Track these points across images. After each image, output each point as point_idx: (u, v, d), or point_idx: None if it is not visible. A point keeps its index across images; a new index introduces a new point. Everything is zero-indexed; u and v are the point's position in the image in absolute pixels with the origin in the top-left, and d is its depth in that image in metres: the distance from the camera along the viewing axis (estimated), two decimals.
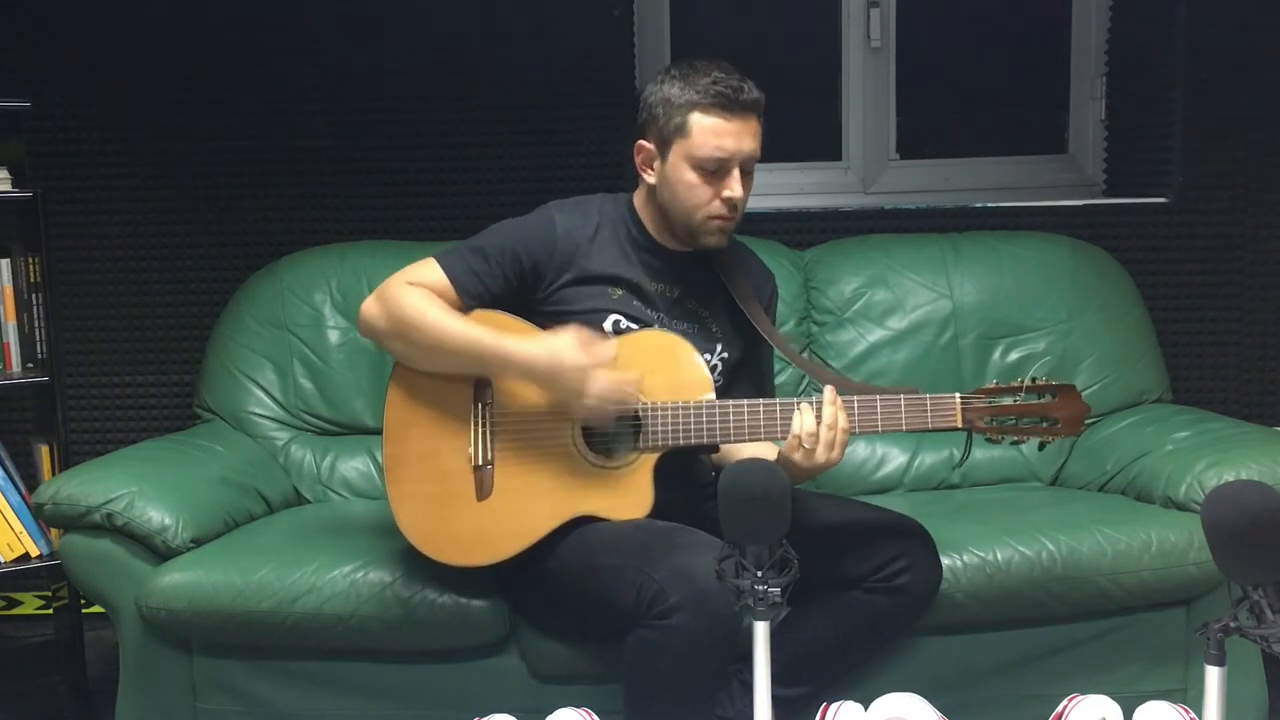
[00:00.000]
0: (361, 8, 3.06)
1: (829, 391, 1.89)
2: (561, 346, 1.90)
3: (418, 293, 1.98)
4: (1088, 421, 2.61)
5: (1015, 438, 1.88)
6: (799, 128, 3.40)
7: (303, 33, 3.06)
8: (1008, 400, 1.88)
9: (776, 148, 3.28)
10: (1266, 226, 3.07)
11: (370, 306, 2.02)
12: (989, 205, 3.09)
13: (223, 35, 3.06)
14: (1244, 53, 2.99)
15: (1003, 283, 2.74)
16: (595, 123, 3.07)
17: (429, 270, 2.02)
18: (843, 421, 1.87)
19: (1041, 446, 1.92)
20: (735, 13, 3.38)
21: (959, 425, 1.88)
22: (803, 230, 3.02)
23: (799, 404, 1.89)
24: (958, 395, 1.88)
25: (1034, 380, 1.88)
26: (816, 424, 1.86)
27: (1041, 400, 1.88)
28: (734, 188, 1.97)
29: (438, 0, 3.04)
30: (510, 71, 3.07)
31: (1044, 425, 1.88)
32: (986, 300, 2.72)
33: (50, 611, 2.91)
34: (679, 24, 3.27)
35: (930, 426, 1.89)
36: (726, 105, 1.94)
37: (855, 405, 1.90)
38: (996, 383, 1.91)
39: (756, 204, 3.12)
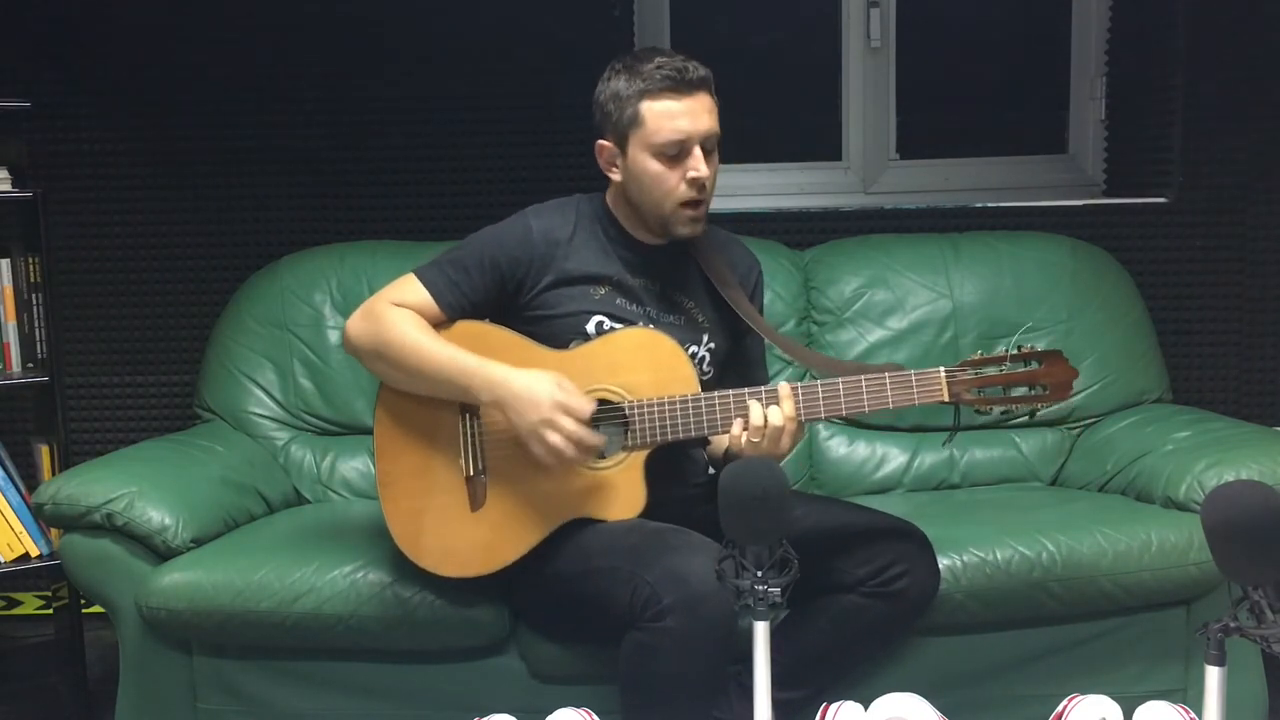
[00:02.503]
0: (361, 8, 3.06)
1: (784, 387, 1.89)
2: (539, 382, 1.89)
3: (403, 314, 1.98)
4: (1088, 421, 2.65)
5: (1004, 407, 1.86)
6: (799, 128, 3.40)
7: (303, 33, 3.06)
8: (993, 370, 1.86)
9: (776, 148, 3.32)
10: (1266, 226, 3.07)
11: (353, 326, 2.03)
12: (989, 205, 3.09)
13: (223, 35, 3.06)
14: (1244, 53, 2.99)
15: (1003, 283, 2.74)
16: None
17: (410, 287, 2.01)
18: (789, 409, 1.86)
19: (1032, 415, 1.90)
20: (735, 13, 3.38)
21: (946, 399, 1.87)
22: (803, 230, 3.02)
23: (749, 398, 1.89)
24: (942, 369, 1.87)
25: (1019, 349, 1.87)
26: (763, 417, 1.86)
27: (1028, 368, 1.86)
28: (698, 167, 1.96)
29: (437, 0, 3.04)
30: (510, 71, 3.07)
31: (1032, 393, 1.86)
32: (986, 300, 2.72)
33: (50, 611, 2.91)
34: (679, 24, 3.27)
35: (917, 401, 1.87)
36: (675, 86, 1.94)
37: (840, 385, 1.89)
38: (980, 354, 1.89)
39: (756, 204, 3.16)
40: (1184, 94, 3.00)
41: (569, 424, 1.87)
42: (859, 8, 3.25)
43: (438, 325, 2.01)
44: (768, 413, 1.87)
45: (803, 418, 1.90)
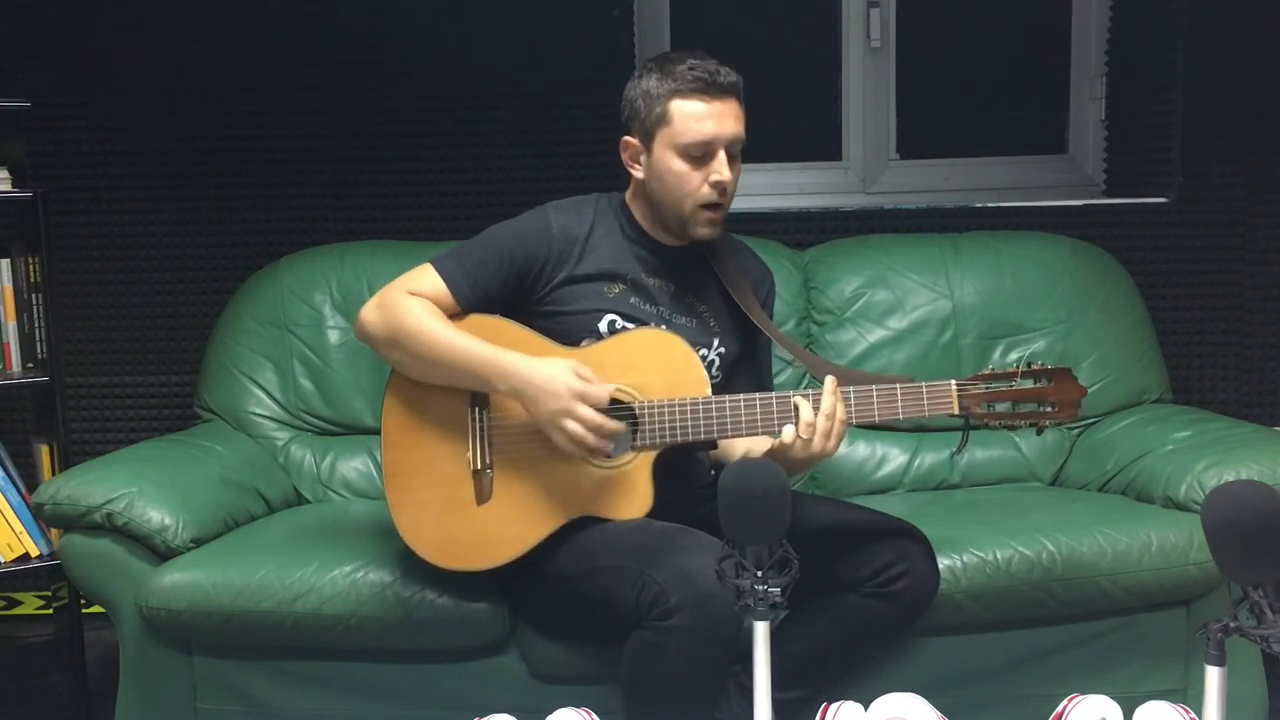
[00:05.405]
0: (362, 8, 3.06)
1: (829, 382, 1.89)
2: (558, 371, 1.90)
3: (419, 303, 1.98)
4: (1088, 421, 2.65)
5: (1012, 424, 1.88)
6: (799, 128, 3.40)
7: (303, 33, 3.06)
8: (1004, 386, 1.88)
9: (776, 148, 3.32)
10: (1266, 226, 3.07)
11: (368, 313, 2.03)
12: (989, 205, 3.09)
13: (223, 35, 3.06)
14: (1243, 53, 2.99)
15: (1003, 283, 2.74)
16: (595, 123, 3.06)
17: (426, 276, 2.02)
18: (840, 412, 1.88)
19: (1039, 432, 1.92)
20: (735, 13, 3.38)
21: (955, 411, 1.88)
22: (803, 230, 3.02)
23: (795, 397, 1.89)
24: (953, 381, 1.89)
25: (1029, 365, 1.89)
26: (814, 414, 1.86)
27: (1037, 385, 1.88)
28: (721, 170, 1.98)
29: (437, 1, 3.04)
30: (510, 71, 3.07)
31: (1040, 410, 1.88)
32: (986, 300, 2.72)
33: (50, 611, 2.91)
34: (679, 24, 3.27)
35: (927, 414, 1.89)
36: (705, 89, 1.96)
37: (851, 395, 1.90)
38: (993, 369, 1.92)
39: (756, 204, 3.16)
40: (1184, 94, 3.00)
41: (587, 412, 1.87)
42: (859, 8, 3.25)
43: (451, 317, 2.01)
44: (829, 404, 1.86)
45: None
